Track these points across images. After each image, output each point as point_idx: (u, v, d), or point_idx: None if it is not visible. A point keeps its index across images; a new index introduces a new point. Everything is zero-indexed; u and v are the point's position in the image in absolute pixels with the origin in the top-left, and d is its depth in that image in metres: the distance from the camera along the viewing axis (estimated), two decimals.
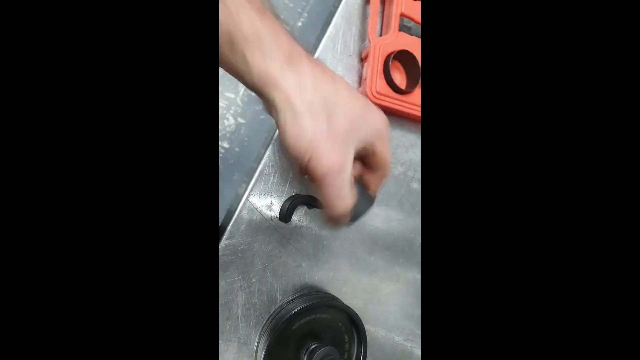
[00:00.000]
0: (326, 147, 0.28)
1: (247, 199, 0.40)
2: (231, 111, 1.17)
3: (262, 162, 0.41)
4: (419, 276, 0.48)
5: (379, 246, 0.46)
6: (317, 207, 0.40)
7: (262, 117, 1.17)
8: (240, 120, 1.17)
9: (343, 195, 0.30)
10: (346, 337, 0.43)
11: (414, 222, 0.48)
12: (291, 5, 1.18)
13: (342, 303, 0.42)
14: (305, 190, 0.42)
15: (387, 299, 0.47)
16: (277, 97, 0.28)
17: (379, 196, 0.46)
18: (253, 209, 0.40)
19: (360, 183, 0.35)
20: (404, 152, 0.47)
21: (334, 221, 0.32)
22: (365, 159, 0.34)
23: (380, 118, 0.31)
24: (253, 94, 0.30)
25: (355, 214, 0.33)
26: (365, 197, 0.35)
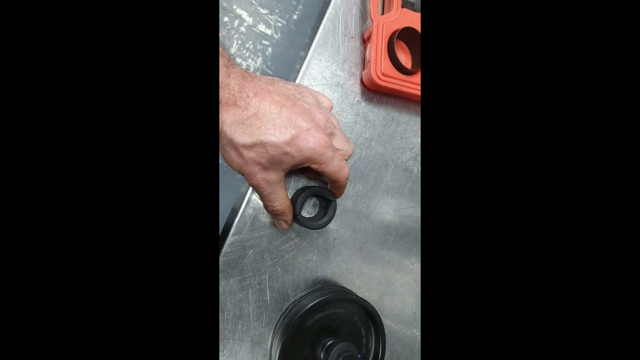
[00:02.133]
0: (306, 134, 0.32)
1: (252, 192, 0.38)
2: None
3: None
4: None
5: (391, 235, 0.44)
6: (326, 199, 0.38)
7: None
8: None
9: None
10: (363, 331, 0.41)
11: None
12: None
13: (357, 296, 0.40)
14: (312, 183, 0.40)
15: (403, 289, 0.45)
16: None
17: (390, 184, 0.44)
18: (259, 203, 0.39)
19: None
20: (412, 136, 0.45)
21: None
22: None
23: (312, 143, 0.32)
24: None
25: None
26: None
